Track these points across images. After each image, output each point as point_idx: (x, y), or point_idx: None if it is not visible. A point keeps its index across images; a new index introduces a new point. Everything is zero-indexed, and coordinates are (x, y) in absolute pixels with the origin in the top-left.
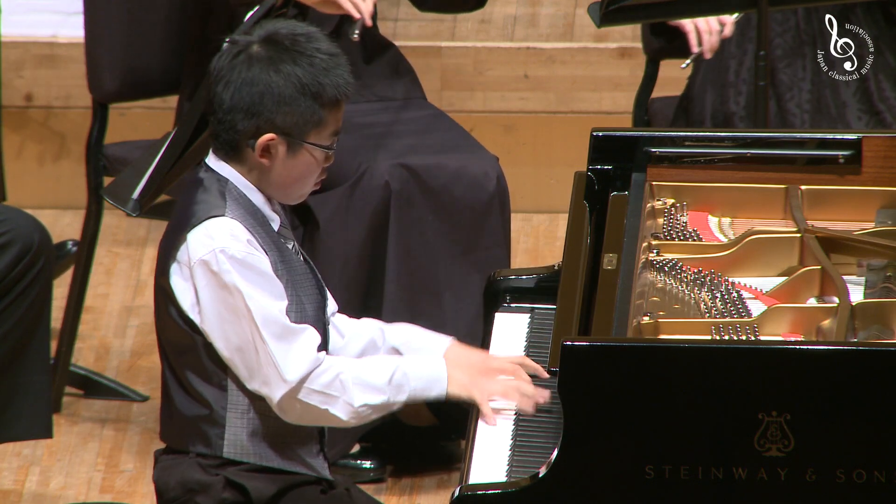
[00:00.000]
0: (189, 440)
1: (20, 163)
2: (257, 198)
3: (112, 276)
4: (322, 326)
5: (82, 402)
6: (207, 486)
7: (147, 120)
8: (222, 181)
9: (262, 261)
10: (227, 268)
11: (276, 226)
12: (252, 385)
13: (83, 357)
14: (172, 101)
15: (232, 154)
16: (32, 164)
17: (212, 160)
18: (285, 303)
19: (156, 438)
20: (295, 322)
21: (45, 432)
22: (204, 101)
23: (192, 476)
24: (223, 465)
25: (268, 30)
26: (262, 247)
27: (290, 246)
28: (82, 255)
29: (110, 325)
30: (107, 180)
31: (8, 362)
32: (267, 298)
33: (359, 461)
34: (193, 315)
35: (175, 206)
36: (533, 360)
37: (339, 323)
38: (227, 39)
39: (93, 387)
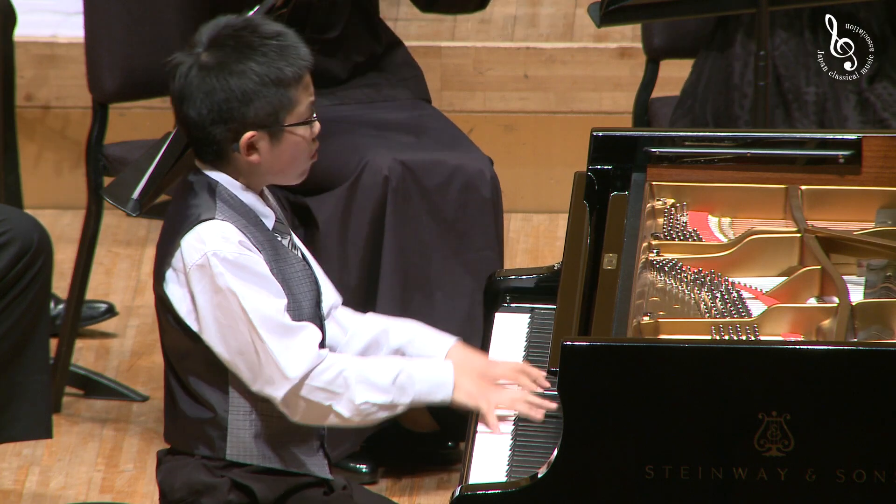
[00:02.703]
0: (193, 442)
1: (21, 163)
2: (248, 197)
3: (112, 276)
4: (319, 322)
5: (82, 402)
6: (213, 488)
7: (147, 120)
8: (212, 183)
9: (256, 260)
10: (221, 270)
11: (269, 223)
12: (255, 387)
13: (83, 357)
14: None
15: (219, 161)
16: (32, 164)
17: (200, 164)
18: (284, 301)
19: (156, 438)
20: (292, 320)
21: (45, 432)
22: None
23: (197, 478)
24: (228, 466)
25: (209, 35)
26: (255, 246)
27: (285, 242)
28: (82, 255)
29: (110, 325)
30: (107, 180)
31: (7, 362)
32: (263, 298)
33: (353, 464)
34: (190, 322)
35: (167, 212)
36: (533, 360)
37: (343, 317)
38: (170, 59)
39: (93, 387)
